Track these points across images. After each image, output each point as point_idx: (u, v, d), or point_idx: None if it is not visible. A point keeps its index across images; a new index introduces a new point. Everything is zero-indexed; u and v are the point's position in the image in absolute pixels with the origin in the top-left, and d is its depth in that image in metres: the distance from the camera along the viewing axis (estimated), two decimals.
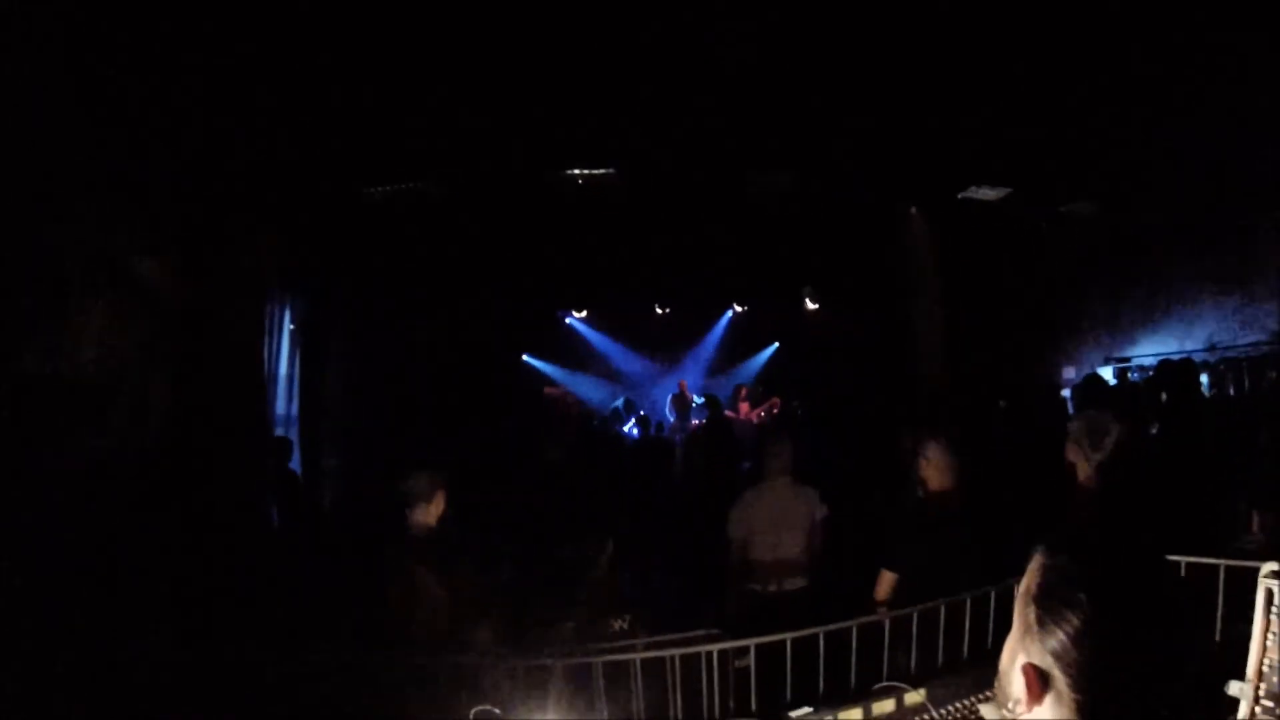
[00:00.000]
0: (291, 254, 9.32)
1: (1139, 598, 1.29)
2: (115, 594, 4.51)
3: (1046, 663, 1.29)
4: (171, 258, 6.55)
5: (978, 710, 2.77)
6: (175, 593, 4.89)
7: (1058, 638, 1.28)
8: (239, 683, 2.97)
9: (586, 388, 18.81)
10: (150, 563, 5.07)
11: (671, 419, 16.67)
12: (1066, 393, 9.98)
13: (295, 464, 9.58)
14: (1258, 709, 1.87)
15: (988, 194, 10.32)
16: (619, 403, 16.53)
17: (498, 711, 2.39)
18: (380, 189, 9.24)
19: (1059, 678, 1.27)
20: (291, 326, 10.81)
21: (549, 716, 2.54)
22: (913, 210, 10.96)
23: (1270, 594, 1.96)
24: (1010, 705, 1.35)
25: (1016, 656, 1.36)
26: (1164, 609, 1.30)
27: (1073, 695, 1.26)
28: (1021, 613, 1.36)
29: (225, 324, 7.31)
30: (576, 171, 9.36)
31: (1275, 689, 1.85)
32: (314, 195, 8.89)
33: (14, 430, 4.83)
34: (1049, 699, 1.29)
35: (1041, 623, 1.31)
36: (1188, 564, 2.83)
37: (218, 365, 7.08)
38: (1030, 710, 1.31)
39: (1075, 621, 1.26)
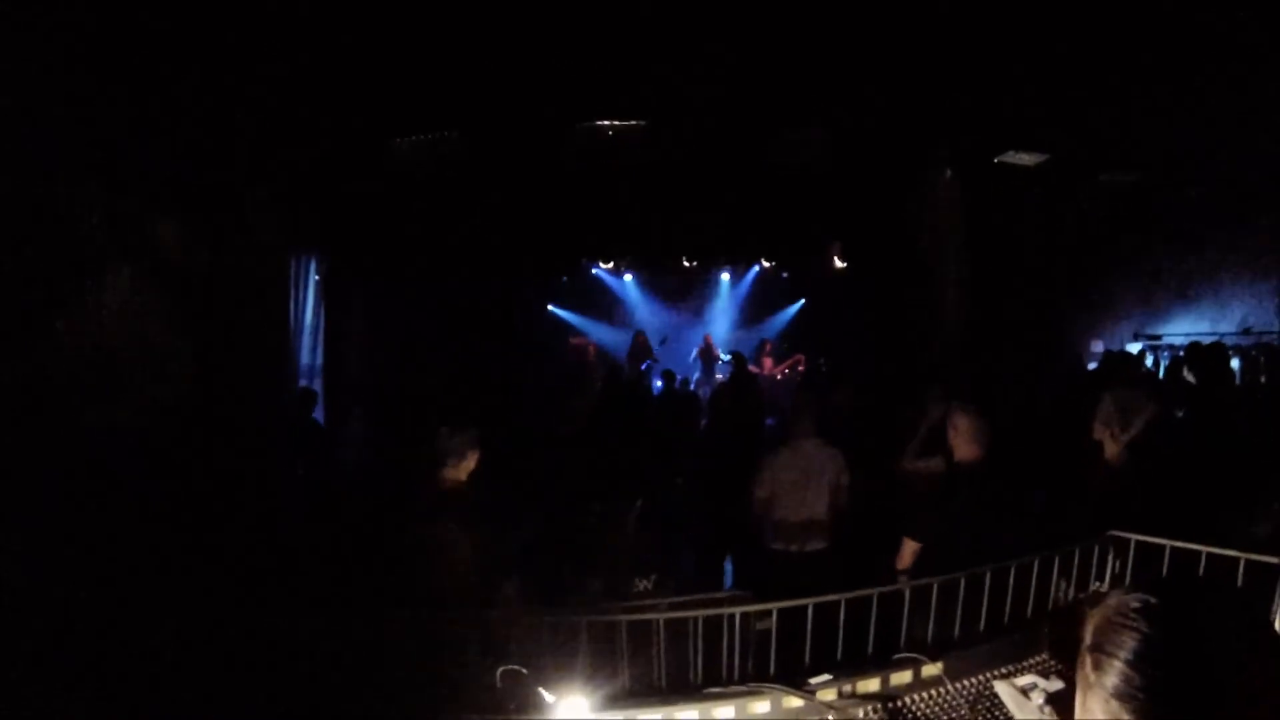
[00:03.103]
0: (317, 205, 9.35)
1: (1203, 606, 1.22)
2: (143, 550, 4.62)
3: (1111, 709, 1.19)
4: (194, 217, 6.57)
5: (992, 686, 2.82)
6: (202, 546, 5.00)
7: (1117, 670, 1.18)
8: (264, 636, 3.06)
9: (611, 339, 18.87)
10: (177, 517, 5.18)
11: (697, 373, 16.75)
12: (1093, 365, 9.93)
13: (319, 414, 9.71)
14: None
15: (1024, 159, 10.16)
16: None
17: (524, 670, 2.46)
18: (408, 139, 9.23)
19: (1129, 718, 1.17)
20: (317, 277, 10.89)
21: (575, 677, 2.61)
22: (947, 172, 10.83)
23: None
24: None
25: None
26: (1232, 611, 1.23)
27: None
28: (1080, 672, 1.26)
29: (249, 282, 7.35)
30: (607, 123, 9.31)
31: None
32: (340, 145, 8.89)
33: (41, 395, 4.92)
34: None
35: (1098, 665, 1.21)
36: (1207, 555, 2.87)
37: (243, 327, 7.13)
38: None
39: (1133, 643, 1.18)
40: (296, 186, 8.32)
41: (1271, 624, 1.69)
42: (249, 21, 6.04)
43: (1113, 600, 1.25)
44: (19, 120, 4.78)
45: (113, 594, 3.74)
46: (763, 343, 17.50)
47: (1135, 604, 1.22)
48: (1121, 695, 1.17)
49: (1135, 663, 1.17)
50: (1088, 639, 1.25)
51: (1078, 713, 1.28)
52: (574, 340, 18.72)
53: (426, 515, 4.31)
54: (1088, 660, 1.24)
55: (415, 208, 11.21)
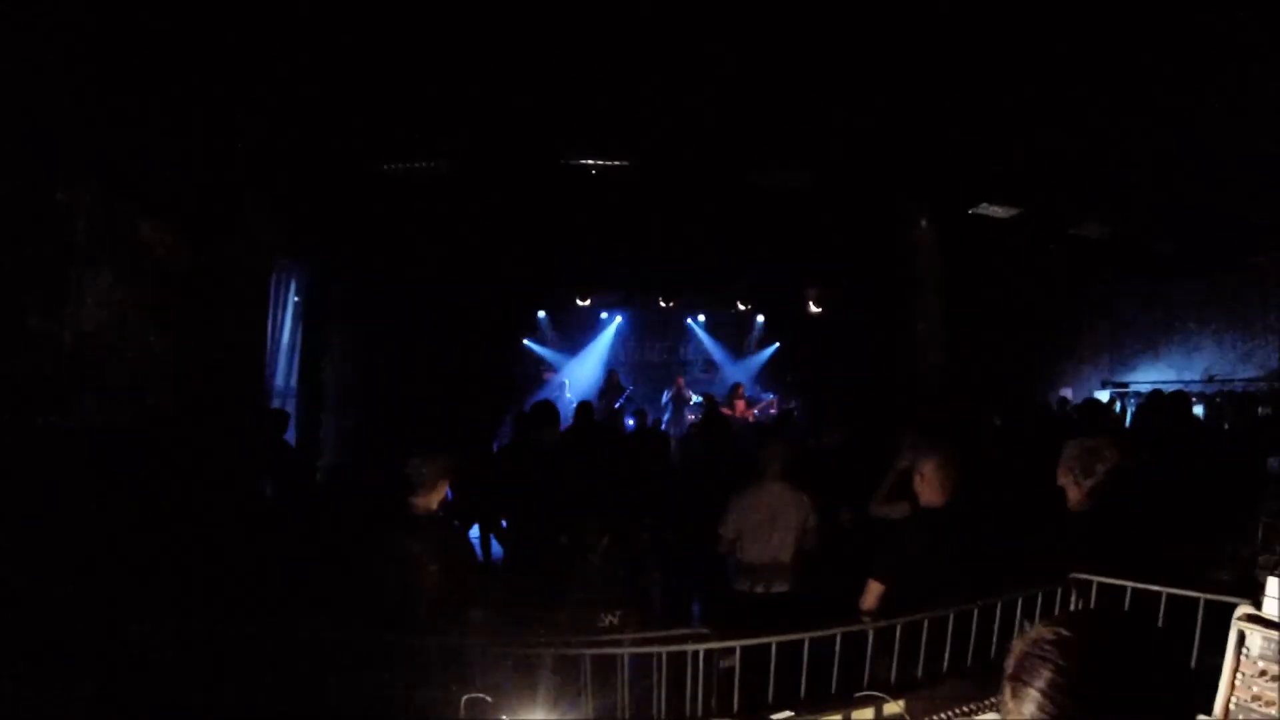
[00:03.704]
0: (297, 226, 9.35)
1: (1115, 639, 1.29)
2: (109, 560, 4.57)
3: None
4: (178, 225, 6.56)
5: None
6: (168, 563, 4.94)
7: (1032, 699, 1.25)
8: (228, 657, 3.03)
9: (584, 375, 18.85)
10: (145, 531, 5.12)
11: (667, 414, 16.75)
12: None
13: (290, 436, 9.62)
14: None
15: (998, 211, 10.34)
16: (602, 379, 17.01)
17: (489, 699, 2.45)
18: (392, 165, 9.25)
19: None
20: (296, 298, 10.85)
21: (537, 707, 2.60)
22: (923, 222, 10.97)
23: (1241, 635, 2.02)
24: None
25: None
26: (1143, 645, 1.30)
27: None
28: (1002, 700, 1.33)
29: (226, 295, 7.33)
30: (590, 161, 9.38)
31: None
32: (325, 168, 8.90)
33: (16, 392, 4.88)
34: None
35: (1016, 693, 1.28)
36: (1168, 595, 2.90)
37: (220, 335, 7.10)
38: None
39: (1047, 674, 1.25)
40: (289, 196, 8.32)
41: (1179, 655, 1.76)
42: (248, 24, 6.07)
43: (1032, 633, 1.31)
44: (16, 123, 4.79)
45: (89, 597, 3.71)
46: (735, 385, 17.53)
47: (1050, 636, 1.28)
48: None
49: (1049, 692, 1.23)
50: (1008, 669, 1.32)
51: None
52: (546, 374, 18.69)
53: (395, 540, 4.30)
54: (1008, 689, 1.30)
55: (398, 236, 11.22)
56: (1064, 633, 1.28)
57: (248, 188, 7.48)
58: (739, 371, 18.92)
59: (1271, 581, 2.04)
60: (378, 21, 6.51)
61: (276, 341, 10.12)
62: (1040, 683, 1.25)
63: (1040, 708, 1.24)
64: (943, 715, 2.90)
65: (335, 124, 8.01)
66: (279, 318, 10.15)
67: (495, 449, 9.73)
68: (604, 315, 18.95)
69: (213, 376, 6.83)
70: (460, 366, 13.99)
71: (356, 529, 4.97)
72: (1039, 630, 1.31)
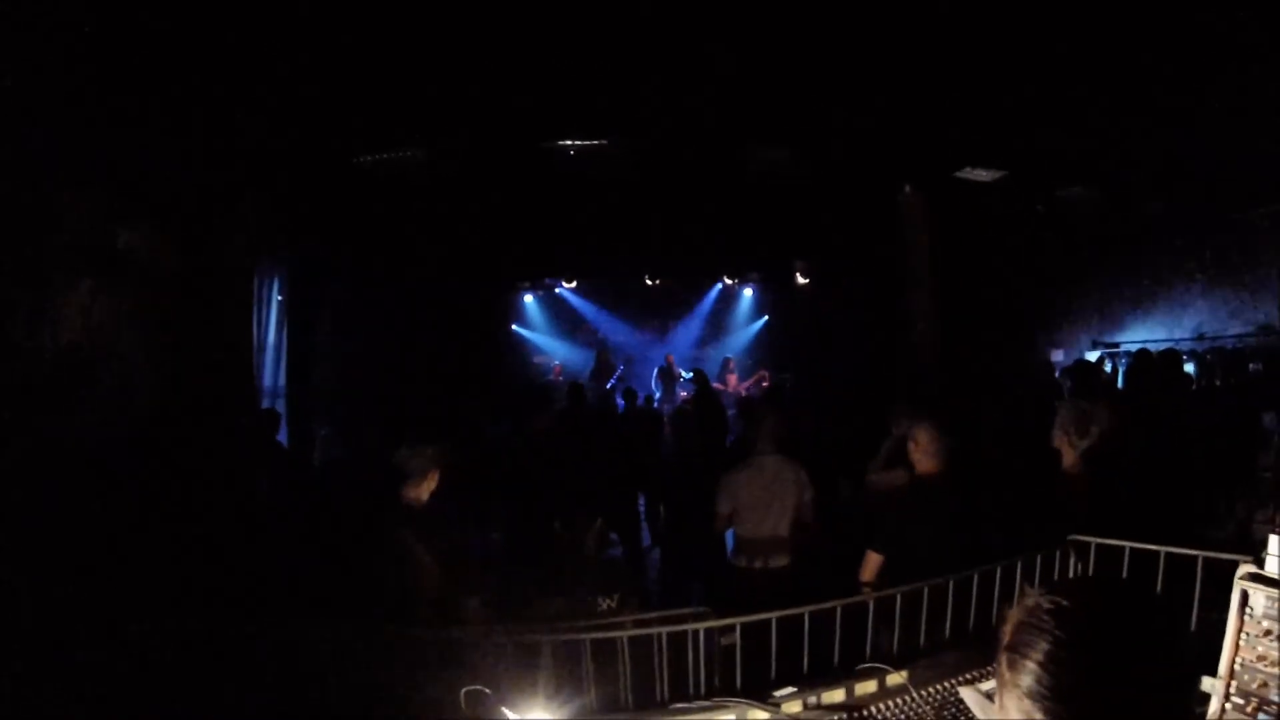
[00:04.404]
0: (280, 223, 9.27)
1: (1112, 609, 1.25)
2: (103, 566, 4.55)
3: (1024, 708, 1.21)
4: (160, 228, 6.50)
5: (957, 692, 2.82)
6: (164, 566, 4.92)
7: (1030, 671, 1.21)
8: (228, 657, 3.01)
9: (575, 358, 18.84)
10: (138, 536, 5.10)
11: (658, 392, 16.74)
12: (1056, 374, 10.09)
13: (282, 435, 9.58)
14: (1228, 705, 1.92)
15: (983, 175, 10.29)
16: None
17: (488, 691, 2.42)
18: (371, 156, 9.17)
19: (1041, 718, 1.20)
20: (280, 297, 10.80)
21: (538, 696, 2.58)
22: (907, 188, 10.93)
23: (1244, 595, 2.00)
24: None
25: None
26: (1142, 613, 1.26)
27: None
28: (998, 671, 1.30)
29: (214, 295, 7.28)
30: (570, 142, 9.30)
31: (1246, 686, 1.90)
32: (304, 163, 8.82)
33: (14, 394, 4.85)
34: None
35: (1013, 665, 1.25)
36: (1166, 554, 2.89)
37: (206, 337, 7.06)
38: None
39: (1045, 645, 1.21)
40: (280, 195, 8.26)
41: (1178, 622, 1.73)
42: (229, 29, 5.99)
43: (1028, 602, 1.27)
44: (15, 123, 4.75)
45: (89, 597, 3.70)
46: (726, 360, 17.54)
47: (1047, 606, 1.24)
48: (1034, 695, 1.20)
49: (1046, 664, 1.19)
50: (1004, 640, 1.28)
51: (996, 711, 1.30)
52: (537, 359, 18.68)
53: (389, 532, 4.29)
54: (1004, 660, 1.26)
55: (380, 227, 11.14)
56: (1061, 602, 1.25)
57: (228, 188, 7.42)
58: (729, 346, 18.93)
59: (1273, 539, 2.02)
60: (380, 21, 6.43)
61: (263, 341, 10.09)
62: (1038, 655, 1.21)
63: (1038, 680, 1.20)
64: (947, 683, 2.89)
65: (310, 118, 7.92)
66: (264, 316, 10.11)
67: (489, 436, 9.71)
68: (592, 296, 18.91)
69: (209, 377, 6.81)
70: (450, 355, 13.96)
71: (355, 528, 4.95)
72: (1035, 599, 1.28)
